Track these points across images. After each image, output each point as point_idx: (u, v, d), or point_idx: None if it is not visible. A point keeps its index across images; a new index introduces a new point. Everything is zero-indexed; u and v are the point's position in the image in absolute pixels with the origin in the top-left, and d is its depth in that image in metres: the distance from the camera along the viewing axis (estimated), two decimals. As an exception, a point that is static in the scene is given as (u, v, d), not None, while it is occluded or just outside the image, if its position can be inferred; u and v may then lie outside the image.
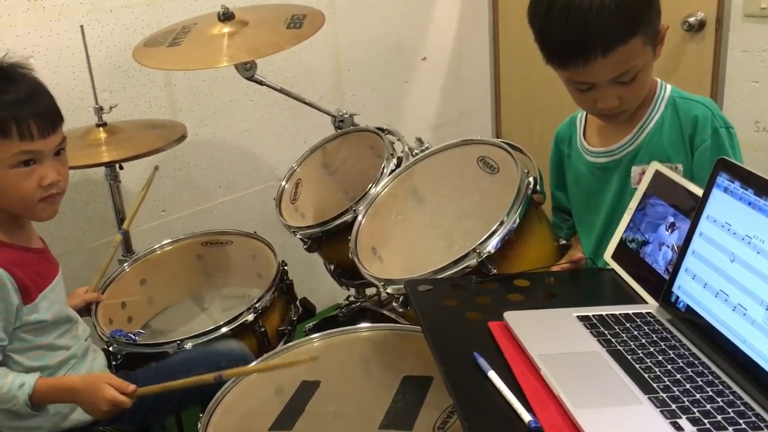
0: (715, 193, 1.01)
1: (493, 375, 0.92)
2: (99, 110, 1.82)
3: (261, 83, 1.88)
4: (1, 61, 1.29)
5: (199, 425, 1.20)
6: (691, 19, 2.16)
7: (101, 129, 1.82)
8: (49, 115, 1.28)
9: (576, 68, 1.20)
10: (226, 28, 1.79)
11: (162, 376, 1.42)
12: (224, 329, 1.56)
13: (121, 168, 1.85)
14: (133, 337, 1.58)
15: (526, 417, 0.84)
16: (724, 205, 0.99)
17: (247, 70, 1.84)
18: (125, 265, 1.82)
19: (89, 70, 1.80)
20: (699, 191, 1.08)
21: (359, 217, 1.57)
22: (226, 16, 1.80)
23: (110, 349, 1.54)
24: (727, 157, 1.02)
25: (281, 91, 1.93)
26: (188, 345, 1.52)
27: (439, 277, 1.27)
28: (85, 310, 1.63)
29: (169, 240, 1.90)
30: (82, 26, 1.79)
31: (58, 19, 1.92)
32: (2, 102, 1.23)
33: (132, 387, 1.29)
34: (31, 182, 1.26)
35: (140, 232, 2.13)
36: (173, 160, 2.20)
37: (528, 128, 2.79)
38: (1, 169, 1.24)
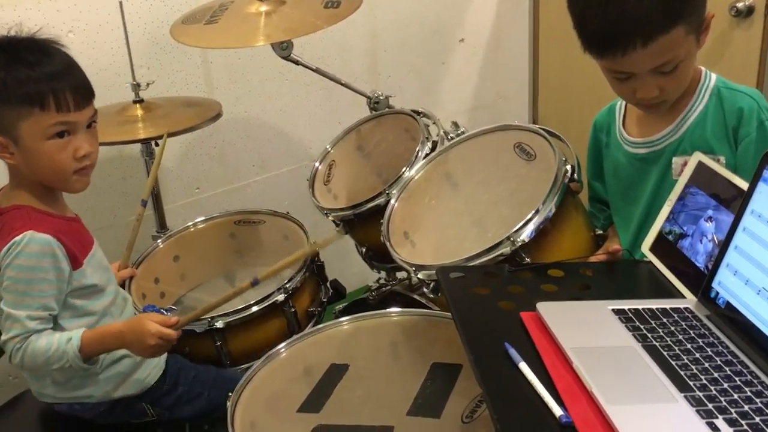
0: (761, 187, 0.98)
1: (524, 366, 0.91)
2: (136, 86, 1.83)
3: (297, 63, 1.88)
4: (36, 35, 1.30)
5: (228, 404, 1.21)
6: (740, 5, 2.09)
7: (138, 105, 1.83)
8: (84, 88, 1.30)
9: (614, 58, 1.16)
10: (264, 7, 1.78)
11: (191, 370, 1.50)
12: (255, 308, 1.56)
13: (156, 145, 1.86)
14: (165, 312, 1.59)
15: (557, 411, 0.83)
16: (771, 201, 0.96)
17: (284, 49, 1.83)
18: (159, 241, 1.83)
19: (127, 46, 1.80)
20: (743, 184, 1.05)
21: (392, 201, 1.55)
22: (263, -6, 1.79)
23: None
24: (774, 151, 0.99)
25: (317, 71, 1.92)
26: (219, 323, 1.53)
27: (472, 264, 1.25)
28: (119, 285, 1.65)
29: (203, 217, 1.91)
30: (120, 2, 1.79)
31: (97, -6, 1.93)
32: (40, 74, 1.25)
33: (174, 319, 1.32)
34: (66, 154, 1.28)
35: (174, 209, 2.15)
36: (208, 138, 2.21)
37: (566, 114, 2.74)
38: (37, 141, 1.26)
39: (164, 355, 1.48)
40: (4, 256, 1.26)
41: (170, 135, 1.75)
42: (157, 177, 1.81)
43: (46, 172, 1.30)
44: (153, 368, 1.46)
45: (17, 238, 1.25)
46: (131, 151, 2.03)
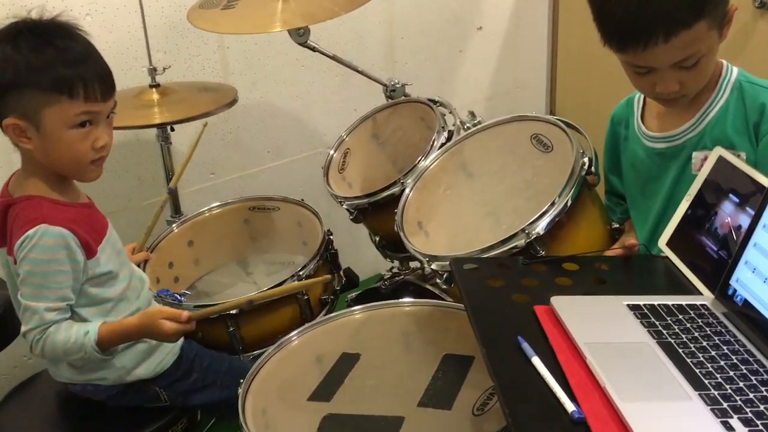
0: (783, 184, 0.96)
1: (536, 361, 0.90)
2: (153, 71, 1.83)
3: (313, 49, 1.87)
4: (56, 17, 1.28)
5: (239, 391, 1.21)
6: (764, -4, 2.05)
7: (154, 90, 1.83)
8: (110, 78, 1.29)
9: (635, 52, 1.14)
10: (281, -8, 1.77)
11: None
12: (267, 295, 1.56)
13: (172, 130, 1.87)
14: (179, 297, 1.60)
15: (570, 407, 0.82)
16: (792, 198, 0.94)
17: (301, 35, 1.82)
18: (173, 225, 1.84)
19: (144, 31, 1.80)
20: (765, 180, 1.03)
21: (407, 190, 1.55)
22: (281, -21, 1.78)
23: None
24: (797, 147, 0.97)
25: (333, 57, 1.91)
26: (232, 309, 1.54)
27: (486, 256, 1.24)
28: (134, 268, 1.66)
29: (218, 203, 1.92)
30: (138, -15, 1.79)
31: (115, -23, 1.92)
32: (67, 61, 1.23)
33: (185, 314, 1.33)
34: (86, 144, 1.27)
35: (189, 194, 2.15)
36: (223, 123, 2.20)
37: (584, 104, 2.71)
38: (60, 128, 1.24)
39: (180, 341, 1.49)
40: (19, 249, 1.26)
41: (184, 120, 1.75)
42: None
43: (63, 161, 1.28)
44: (167, 354, 1.47)
45: (30, 232, 1.25)
46: (147, 135, 2.03)
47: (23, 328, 1.29)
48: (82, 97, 1.23)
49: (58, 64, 1.22)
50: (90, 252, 1.32)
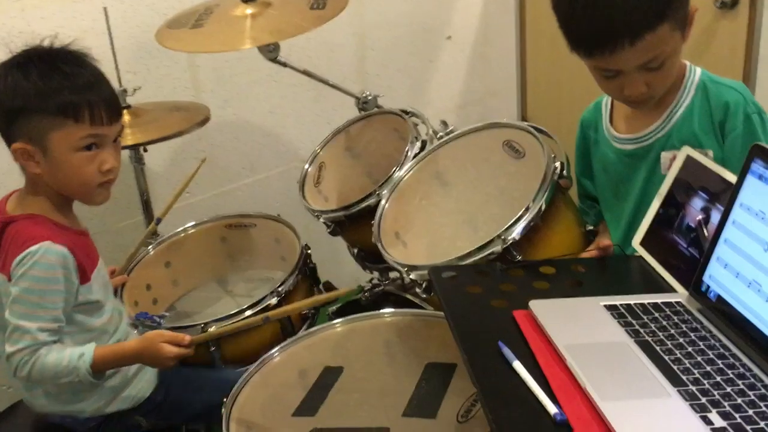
0: (750, 180, 0.98)
1: (518, 365, 0.91)
2: (123, 92, 1.82)
3: (284, 65, 1.87)
4: (66, 46, 1.31)
5: (223, 410, 1.21)
6: (725, -4, 2.09)
7: (126, 111, 1.82)
8: (116, 102, 1.32)
9: (602, 57, 1.17)
10: (249, 9, 1.78)
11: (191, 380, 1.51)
12: (248, 312, 1.56)
13: (145, 150, 1.86)
14: (158, 319, 1.59)
15: (552, 409, 0.83)
16: (759, 193, 0.96)
17: (270, 51, 1.83)
18: (150, 247, 1.83)
19: (113, 52, 1.79)
20: (732, 178, 1.05)
21: (383, 202, 1.55)
22: (249, -3, 1.79)
23: (135, 332, 1.55)
24: (762, 143, 0.99)
25: (305, 72, 1.91)
26: (212, 328, 1.53)
27: (464, 263, 1.25)
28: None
29: (193, 222, 1.91)
30: (105, 8, 1.78)
31: (82, 0, 1.91)
32: (75, 85, 1.25)
33: (187, 338, 1.32)
34: (93, 167, 1.29)
35: (164, 214, 2.13)
36: (197, 142, 2.20)
37: (555, 109, 2.74)
38: (67, 152, 1.26)
39: (156, 369, 1.47)
40: (18, 265, 1.24)
41: (157, 141, 1.74)
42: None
43: (71, 184, 1.30)
44: (145, 382, 1.45)
45: (33, 248, 1.24)
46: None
47: (9, 349, 1.25)
48: (88, 121, 1.26)
49: (64, 89, 1.24)
50: (84, 278, 1.32)
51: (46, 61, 1.26)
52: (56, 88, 1.24)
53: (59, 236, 1.28)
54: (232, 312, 1.55)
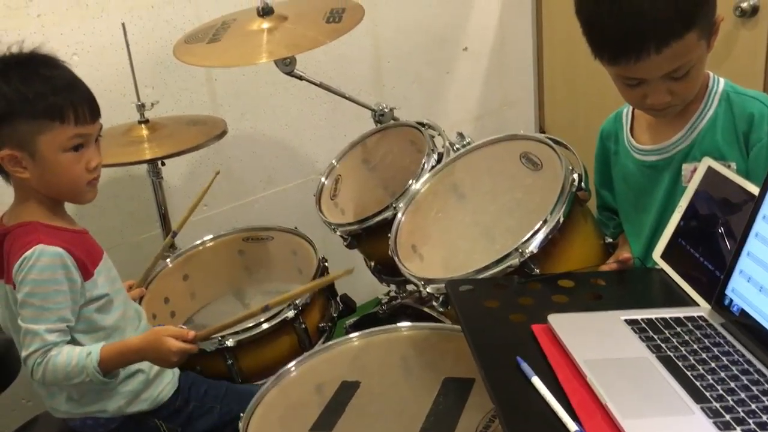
0: (773, 192, 0.97)
1: (537, 381, 0.89)
2: (141, 107, 1.84)
3: (300, 78, 1.87)
4: (36, 49, 1.32)
5: (240, 424, 1.20)
6: (744, 4, 2.07)
7: (143, 126, 1.84)
8: (94, 100, 1.33)
9: (627, 64, 1.15)
10: (266, 24, 1.79)
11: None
12: (265, 326, 1.56)
13: (163, 164, 1.87)
14: (176, 332, 1.59)
15: (572, 426, 0.81)
16: (782, 205, 0.95)
17: (287, 65, 1.83)
18: (168, 260, 1.83)
19: (131, 67, 1.81)
20: (755, 189, 1.04)
21: (399, 215, 1.55)
22: (265, 11, 1.79)
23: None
24: (786, 156, 0.98)
25: (320, 85, 1.92)
26: (230, 341, 1.53)
27: (481, 277, 1.24)
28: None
29: (211, 236, 1.91)
30: (123, 23, 1.80)
31: (100, 16, 1.93)
32: (56, 88, 1.27)
33: (192, 333, 1.33)
34: (80, 166, 1.31)
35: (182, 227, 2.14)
36: (214, 155, 2.21)
37: (572, 120, 2.73)
38: (55, 154, 1.28)
39: (177, 372, 1.49)
40: (17, 271, 1.27)
41: (175, 155, 1.75)
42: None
43: (60, 184, 1.32)
44: (166, 385, 1.46)
45: (27, 253, 1.26)
46: (138, 171, 2.03)
47: (24, 353, 1.28)
48: (73, 121, 1.28)
49: (48, 93, 1.26)
50: (87, 273, 1.33)
51: (24, 66, 1.28)
52: (40, 92, 1.26)
53: (52, 237, 1.29)
54: (249, 325, 1.55)
